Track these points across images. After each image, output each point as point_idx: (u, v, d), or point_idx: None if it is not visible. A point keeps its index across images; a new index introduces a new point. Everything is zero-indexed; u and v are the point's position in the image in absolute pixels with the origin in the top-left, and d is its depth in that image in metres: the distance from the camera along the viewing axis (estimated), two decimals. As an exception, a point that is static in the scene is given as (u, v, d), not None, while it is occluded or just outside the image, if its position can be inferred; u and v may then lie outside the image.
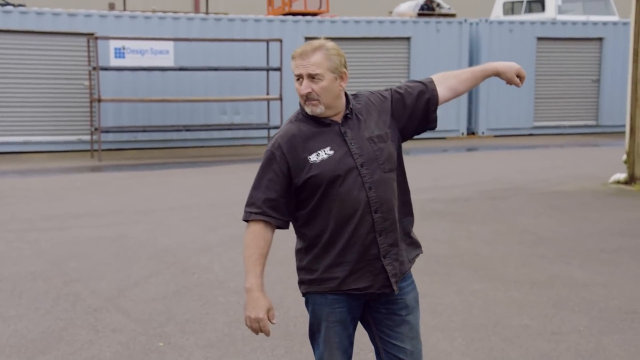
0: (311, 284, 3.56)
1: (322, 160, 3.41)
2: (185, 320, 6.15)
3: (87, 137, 17.77)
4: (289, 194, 3.47)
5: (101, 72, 16.92)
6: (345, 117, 3.49)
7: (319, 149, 3.43)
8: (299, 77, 3.41)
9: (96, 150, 17.06)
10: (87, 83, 17.71)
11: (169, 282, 7.21)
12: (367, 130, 3.49)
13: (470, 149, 18.85)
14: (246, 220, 3.53)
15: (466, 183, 12.90)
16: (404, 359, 3.55)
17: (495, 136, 21.18)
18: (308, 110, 3.44)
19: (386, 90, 3.65)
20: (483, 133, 21.23)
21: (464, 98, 20.75)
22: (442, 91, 3.66)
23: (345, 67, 3.48)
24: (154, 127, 18.06)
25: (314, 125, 3.48)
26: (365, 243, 3.44)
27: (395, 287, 3.49)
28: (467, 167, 15.45)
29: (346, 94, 3.55)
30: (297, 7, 21.81)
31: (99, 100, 16.85)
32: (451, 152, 18.53)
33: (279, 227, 3.54)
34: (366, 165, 3.43)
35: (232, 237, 8.90)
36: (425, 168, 14.84)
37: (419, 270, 7.43)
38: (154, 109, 18.32)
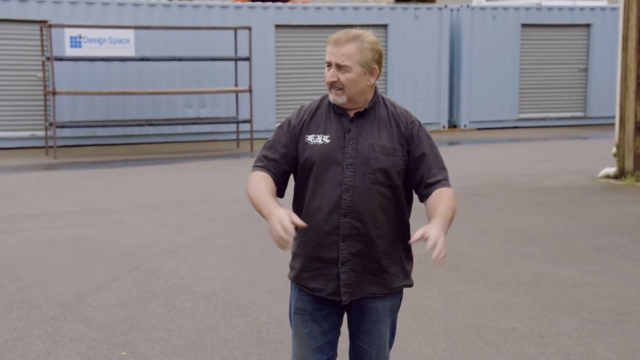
0: (290, 269, 3.73)
1: (315, 145, 3.54)
2: (150, 328, 6.12)
3: (42, 133, 17.60)
4: (294, 159, 3.60)
5: (56, 63, 16.75)
6: (359, 115, 3.55)
7: (319, 133, 3.56)
8: (329, 64, 3.50)
9: (51, 147, 16.90)
10: (40, 74, 17.52)
11: (132, 287, 7.17)
12: (374, 137, 3.53)
13: (451, 143, 18.92)
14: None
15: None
16: (366, 359, 3.70)
17: (478, 129, 21.24)
18: (331, 97, 3.54)
19: (414, 122, 3.61)
20: (465, 126, 21.29)
21: (445, 88, 20.82)
22: (428, 201, 3.55)
23: (379, 63, 3.54)
24: (113, 122, 17.91)
25: (329, 110, 3.60)
26: (324, 243, 3.53)
27: (344, 298, 3.56)
28: (448, 162, 15.18)
29: (380, 95, 3.63)
30: (266, -8, 21.81)
31: (54, 93, 16.71)
32: (431, 146, 18.56)
33: (278, 191, 3.59)
34: (352, 168, 3.49)
35: (199, 238, 8.88)
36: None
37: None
38: (113, 103, 18.19)
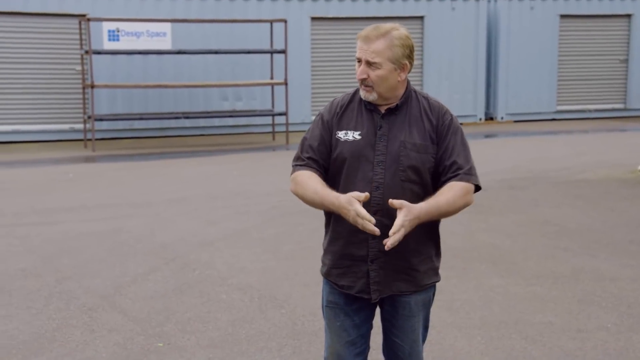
0: (322, 264, 3.74)
1: (346, 141, 3.52)
2: (186, 319, 6.16)
3: (80, 126, 17.79)
4: (327, 152, 3.58)
5: (94, 56, 16.90)
6: (390, 111, 3.53)
7: (350, 129, 3.54)
8: (359, 60, 3.47)
9: (90, 140, 17.07)
10: (79, 68, 17.71)
11: (169, 278, 7.22)
12: (405, 133, 3.50)
13: (488, 136, 18.81)
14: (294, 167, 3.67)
15: (484, 172, 12.68)
16: (400, 355, 3.70)
17: (515, 121, 21.11)
18: (362, 94, 3.52)
19: (446, 117, 3.56)
20: (502, 118, 21.17)
21: (482, 81, 20.70)
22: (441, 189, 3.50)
23: (410, 57, 3.50)
24: (150, 115, 18.02)
25: (360, 105, 3.58)
26: (354, 241, 3.52)
27: (373, 296, 3.55)
28: (484, 155, 15.38)
29: (412, 88, 3.59)
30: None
31: (92, 86, 16.85)
32: (468, 139, 18.28)
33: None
34: (382, 165, 3.47)
35: (234, 231, 8.91)
36: (441, 156, 14.80)
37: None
38: (150, 95, 18.31)
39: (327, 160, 3.58)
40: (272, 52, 18.07)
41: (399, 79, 3.48)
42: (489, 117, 21.25)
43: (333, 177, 3.56)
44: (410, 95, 3.57)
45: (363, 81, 3.47)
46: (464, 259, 7.70)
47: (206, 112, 18.52)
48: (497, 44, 21.00)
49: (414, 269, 3.55)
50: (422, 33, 20.25)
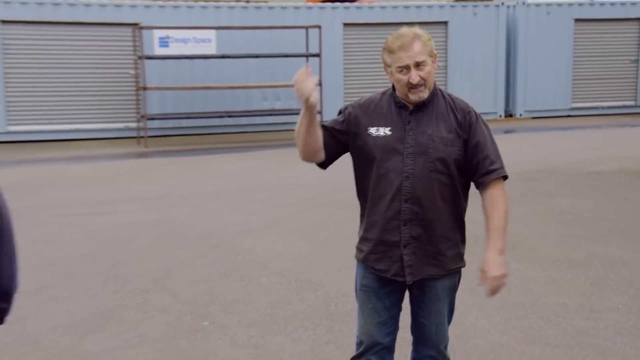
0: (357, 251, 3.71)
1: (378, 137, 3.52)
2: (229, 301, 6.20)
3: (134, 124, 17.92)
4: (339, 142, 3.60)
5: (146, 61, 17.04)
6: (418, 107, 3.53)
7: (381, 126, 3.53)
8: (405, 67, 3.43)
9: (142, 137, 17.20)
10: (132, 72, 17.84)
11: (213, 264, 7.26)
12: (432, 127, 3.49)
13: (507, 131, 18.66)
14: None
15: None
16: (426, 334, 3.69)
17: (533, 118, 20.92)
18: (413, 97, 3.48)
19: (471, 114, 3.56)
20: (521, 115, 20.98)
21: (501, 80, 20.55)
22: (483, 197, 3.56)
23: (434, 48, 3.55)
24: (197, 114, 18.12)
25: (391, 104, 3.58)
26: (388, 227, 3.52)
27: (408, 279, 3.55)
28: (504, 149, 15.09)
29: (438, 87, 3.60)
30: (335, -6, 21.77)
31: (145, 89, 16.99)
32: (489, 134, 18.32)
33: (324, 156, 3.62)
34: (412, 157, 3.46)
35: (273, 220, 8.94)
36: (464, 150, 14.73)
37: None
38: (196, 96, 18.40)
39: (338, 141, 3.60)
40: (307, 56, 18.04)
41: (435, 68, 3.51)
42: (509, 114, 21.08)
43: (365, 171, 3.56)
44: (436, 93, 3.56)
45: (417, 84, 3.43)
46: (484, 245, 7.65)
47: (247, 111, 18.57)
48: (516, 46, 20.81)
49: (442, 254, 3.54)
50: (445, 37, 20.13)
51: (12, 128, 17.51)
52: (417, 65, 3.41)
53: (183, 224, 8.92)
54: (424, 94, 3.47)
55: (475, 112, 3.57)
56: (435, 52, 3.50)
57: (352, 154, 3.64)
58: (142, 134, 17.27)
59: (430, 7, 20.40)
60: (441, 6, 20.45)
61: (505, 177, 3.55)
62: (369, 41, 19.59)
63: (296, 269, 7.00)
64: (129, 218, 9.30)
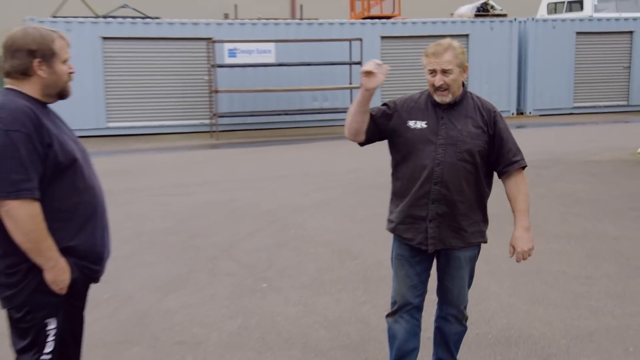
0: (388, 223, 3.70)
1: (415, 129, 3.51)
2: (283, 267, 6.21)
3: (207, 121, 18.03)
4: (381, 126, 3.57)
5: (218, 69, 17.11)
6: (450, 106, 3.51)
7: (419, 120, 3.52)
8: (433, 71, 3.44)
9: (214, 132, 17.30)
10: (206, 78, 17.93)
11: (271, 236, 7.28)
12: (461, 123, 3.48)
13: (519, 127, 18.36)
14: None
15: (515, 154, 12.57)
16: (449, 296, 3.69)
17: (540, 115, 20.54)
18: (438, 99, 3.48)
19: (494, 112, 3.55)
20: (530, 113, 20.60)
21: (514, 84, 20.22)
22: (506, 184, 3.57)
23: (467, 61, 3.52)
24: (259, 112, 18.15)
25: (427, 103, 3.56)
26: (417, 204, 3.51)
27: (430, 248, 3.53)
28: (516, 141, 15.09)
29: (467, 90, 3.57)
30: (374, 11, 21.62)
31: (216, 91, 17.07)
32: (503, 129, 18.05)
33: (365, 134, 3.59)
34: (443, 147, 3.45)
35: (321, 201, 8.92)
36: (481, 142, 14.54)
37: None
38: (259, 98, 18.44)
39: (378, 124, 3.57)
40: (350, 64, 17.98)
41: (462, 79, 3.49)
42: (520, 112, 20.72)
43: (403, 156, 3.54)
44: (465, 95, 3.55)
45: (441, 86, 3.43)
46: (498, 222, 7.47)
47: (300, 110, 18.55)
48: (526, 54, 20.43)
49: (463, 229, 3.52)
50: (467, 47, 19.81)
51: (110, 124, 17.74)
52: (444, 72, 3.40)
53: (246, 203, 8.95)
54: (447, 98, 3.45)
55: (497, 111, 3.58)
56: (466, 64, 3.48)
57: (391, 142, 3.61)
58: (214, 129, 17.37)
59: (453, 22, 20.12)
60: (463, 22, 20.16)
61: (524, 167, 3.56)
62: (403, 51, 19.42)
63: (339, 241, 6.99)
64: (203, 198, 9.35)
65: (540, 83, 20.49)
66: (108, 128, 17.66)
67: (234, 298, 5.43)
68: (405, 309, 3.66)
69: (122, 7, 19.70)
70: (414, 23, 19.68)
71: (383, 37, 19.28)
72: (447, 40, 3.47)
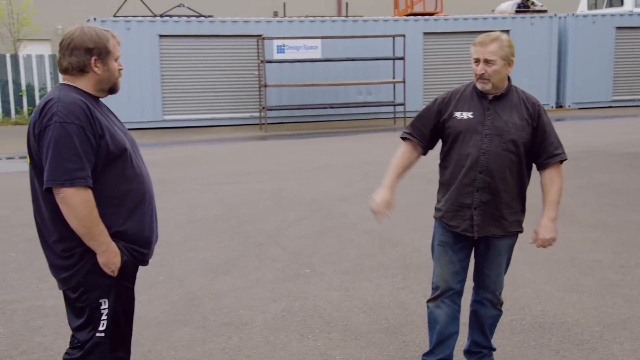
0: (435, 211, 3.68)
1: (461, 119, 3.50)
2: (327, 254, 6.21)
3: (257, 114, 18.14)
4: (435, 128, 3.57)
5: (267, 64, 17.18)
6: (496, 97, 3.49)
7: (465, 110, 3.50)
8: (477, 60, 3.43)
9: (263, 124, 17.40)
10: (256, 73, 18.03)
11: (315, 224, 7.28)
12: (507, 115, 3.46)
13: (558, 119, 17.98)
14: (402, 138, 3.70)
15: (553, 146, 12.33)
16: (487, 282, 3.66)
17: (580, 108, 20.10)
18: (479, 86, 3.48)
19: (538, 106, 3.52)
20: (569, 106, 20.18)
21: (553, 77, 19.81)
22: (543, 175, 3.52)
23: (513, 55, 3.48)
24: (306, 106, 18.17)
25: (473, 94, 3.53)
26: (463, 192, 3.49)
27: (475, 234, 3.50)
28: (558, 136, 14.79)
29: (512, 84, 3.55)
30: (417, 8, 21.39)
31: (265, 86, 17.15)
32: (542, 121, 17.71)
33: (422, 150, 3.64)
34: (489, 137, 3.43)
35: (364, 190, 8.89)
36: (520, 135, 14.31)
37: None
38: (306, 92, 18.46)
39: (433, 130, 3.58)
40: (394, 59, 17.85)
41: (507, 71, 3.45)
42: (559, 105, 20.32)
43: (450, 146, 3.53)
44: (511, 89, 3.52)
45: (482, 75, 3.41)
46: (535, 212, 7.34)
47: (346, 103, 18.51)
48: (566, 49, 19.99)
49: (504, 218, 3.48)
50: (507, 42, 19.52)
51: (166, 117, 17.98)
52: (487, 61, 3.39)
53: (293, 192, 8.98)
54: (487, 86, 3.43)
55: (542, 106, 3.54)
56: (512, 58, 3.44)
57: (442, 136, 3.60)
58: (263, 121, 17.47)
59: (494, 18, 19.79)
60: (504, 17, 19.81)
61: (563, 161, 3.51)
62: (445, 47, 19.22)
63: (380, 229, 6.95)
64: (252, 187, 9.41)
65: (579, 77, 20.03)
66: (164, 120, 17.89)
67: (278, 282, 5.46)
68: (447, 294, 3.63)
69: (178, 6, 19.90)
70: (455, 19, 19.43)
71: (425, 34, 19.08)
72: (496, 33, 3.46)
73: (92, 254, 2.78)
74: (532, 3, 21.04)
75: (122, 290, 2.92)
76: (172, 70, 17.89)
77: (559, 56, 20.05)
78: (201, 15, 18.99)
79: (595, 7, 23.62)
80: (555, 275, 5.45)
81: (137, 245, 2.92)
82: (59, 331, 4.52)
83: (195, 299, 5.13)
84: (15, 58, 19.92)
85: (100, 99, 2.96)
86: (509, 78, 3.52)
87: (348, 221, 7.36)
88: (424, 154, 3.67)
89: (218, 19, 18.23)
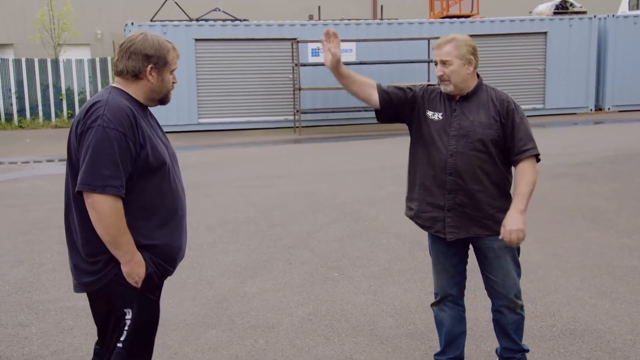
0: (407, 209, 3.70)
1: (432, 120, 3.52)
2: (356, 257, 6.20)
3: (291, 117, 18.18)
4: (402, 108, 3.57)
5: (301, 68, 17.21)
6: (463, 98, 3.49)
7: (436, 111, 3.52)
8: (437, 63, 3.47)
9: (297, 127, 17.43)
10: (290, 76, 18.08)
11: (345, 227, 7.26)
12: (474, 114, 3.45)
13: (597, 122, 17.68)
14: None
15: (591, 150, 12.13)
16: (495, 287, 3.60)
17: (620, 111, 19.68)
18: (442, 88, 3.51)
19: (508, 102, 3.47)
20: (609, 109, 19.77)
21: (592, 80, 19.43)
22: (516, 170, 3.44)
23: (474, 54, 3.47)
24: (340, 109, 18.13)
25: (442, 95, 3.55)
26: (435, 193, 3.49)
27: (448, 237, 3.49)
28: (593, 137, 14.52)
29: (483, 82, 3.54)
30: (453, 11, 21.22)
31: (300, 89, 17.18)
32: (580, 125, 17.45)
33: (374, 103, 3.61)
34: (456, 138, 3.43)
35: (395, 194, 8.83)
36: (557, 138, 14.08)
37: (545, 220, 7.12)
38: (340, 95, 18.34)
39: (396, 99, 3.56)
40: (429, 62, 17.73)
41: (468, 71, 3.44)
42: (598, 108, 19.91)
43: (421, 144, 3.53)
44: (480, 87, 3.51)
45: (441, 77, 3.44)
46: (569, 216, 7.31)
47: (381, 106, 18.42)
48: (606, 51, 19.61)
49: (487, 218, 3.44)
50: (545, 45, 19.22)
51: (201, 120, 18.14)
52: (443, 62, 3.42)
53: (325, 195, 8.97)
54: (449, 88, 3.45)
55: (513, 102, 3.50)
56: (471, 57, 3.43)
57: (411, 129, 3.61)
58: (297, 124, 17.50)
59: (532, 20, 19.52)
60: (542, 19, 19.53)
61: (537, 156, 3.43)
62: (482, 49, 18.15)
63: (410, 232, 6.88)
64: (284, 190, 9.43)
65: (619, 79, 19.61)
66: (199, 124, 18.05)
67: (306, 285, 5.46)
68: (447, 300, 3.69)
69: (214, 10, 20.09)
70: (492, 22, 19.22)
71: (461, 36, 18.89)
72: (453, 34, 3.50)
73: (117, 262, 2.75)
74: (571, 4, 20.69)
75: (145, 302, 2.86)
76: (207, 74, 18.05)
77: (598, 58, 19.67)
78: (236, 19, 19.13)
79: (637, 8, 23.12)
80: (589, 281, 5.34)
81: (162, 260, 2.88)
82: (88, 332, 4.59)
83: (223, 302, 5.16)
84: (55, 63, 20.32)
85: (150, 108, 2.94)
86: (478, 76, 3.52)
87: (378, 224, 7.32)
88: (379, 108, 3.59)
89: (253, 23, 18.34)
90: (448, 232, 3.48)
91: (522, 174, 3.39)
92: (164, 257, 2.88)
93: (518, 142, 3.40)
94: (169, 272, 2.96)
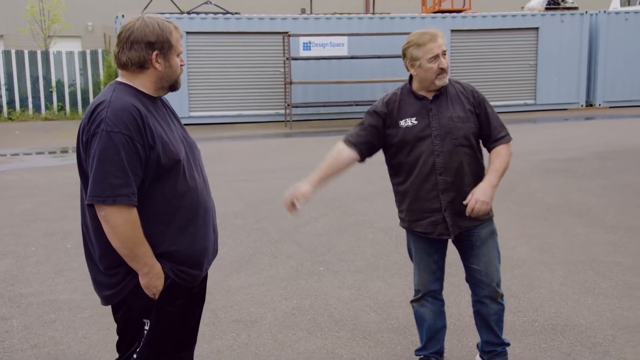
0: (400, 220, 3.70)
1: (407, 127, 3.48)
2: (342, 251, 6.20)
3: (282, 111, 18.16)
4: (379, 139, 3.55)
5: (293, 62, 17.19)
6: (436, 96, 3.47)
7: (408, 117, 3.48)
8: (436, 57, 3.38)
9: (288, 121, 17.42)
10: (282, 70, 18.05)
11: (332, 221, 7.26)
12: (450, 110, 3.45)
13: (587, 118, 17.73)
14: (345, 143, 3.68)
15: (581, 146, 12.16)
16: (478, 277, 3.61)
17: (611, 107, 19.75)
18: (439, 83, 3.43)
19: (476, 92, 3.52)
20: (600, 105, 19.83)
21: (583, 76, 19.48)
22: (490, 153, 3.51)
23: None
24: (332, 103, 18.16)
25: (411, 98, 3.52)
26: (429, 197, 3.47)
27: (452, 235, 3.50)
28: (583, 133, 14.54)
29: None
30: (445, 6, 21.20)
31: (291, 83, 17.16)
32: (571, 120, 17.48)
33: (361, 159, 3.64)
34: (440, 137, 3.42)
35: (385, 189, 8.69)
36: (547, 134, 14.12)
37: (533, 215, 7.13)
38: (332, 89, 18.44)
39: (374, 139, 3.55)
40: (420, 56, 17.71)
41: None
42: (589, 104, 19.98)
43: (402, 155, 3.49)
44: (448, 82, 3.51)
45: (445, 69, 3.41)
46: (556, 212, 7.32)
47: (372, 101, 18.13)
48: (597, 47, 19.66)
49: None
50: (537, 40, 19.26)
51: (192, 113, 18.12)
52: (444, 53, 3.40)
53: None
54: (447, 79, 3.45)
55: (478, 91, 3.54)
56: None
57: (386, 146, 3.55)
58: (288, 118, 17.49)
59: (523, 15, 19.54)
60: (533, 15, 19.55)
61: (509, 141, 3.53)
62: (473, 45, 19.03)
63: (397, 227, 6.79)
64: (273, 184, 9.39)
65: (610, 75, 19.67)
66: (190, 117, 18.01)
67: (291, 280, 5.46)
68: (428, 296, 3.70)
69: (205, 3, 20.03)
70: (484, 17, 19.24)
71: (453, 31, 18.90)
72: (432, 28, 3.48)
73: (136, 273, 2.61)
74: (563, 0, 20.74)
75: (163, 313, 2.68)
76: (198, 67, 18.00)
77: (589, 54, 19.72)
78: (228, 12, 19.07)
79: (629, 4, 23.18)
80: (572, 277, 5.35)
81: (186, 267, 2.69)
82: (70, 325, 4.58)
83: (207, 295, 5.11)
84: (46, 54, 20.22)
85: (161, 97, 2.75)
86: None
87: (365, 219, 7.32)
88: (361, 162, 3.63)
89: (244, 16, 18.29)
90: (452, 232, 3.48)
91: (498, 153, 3.46)
92: (187, 263, 2.68)
93: (493, 131, 3.47)
94: (197, 277, 2.76)
